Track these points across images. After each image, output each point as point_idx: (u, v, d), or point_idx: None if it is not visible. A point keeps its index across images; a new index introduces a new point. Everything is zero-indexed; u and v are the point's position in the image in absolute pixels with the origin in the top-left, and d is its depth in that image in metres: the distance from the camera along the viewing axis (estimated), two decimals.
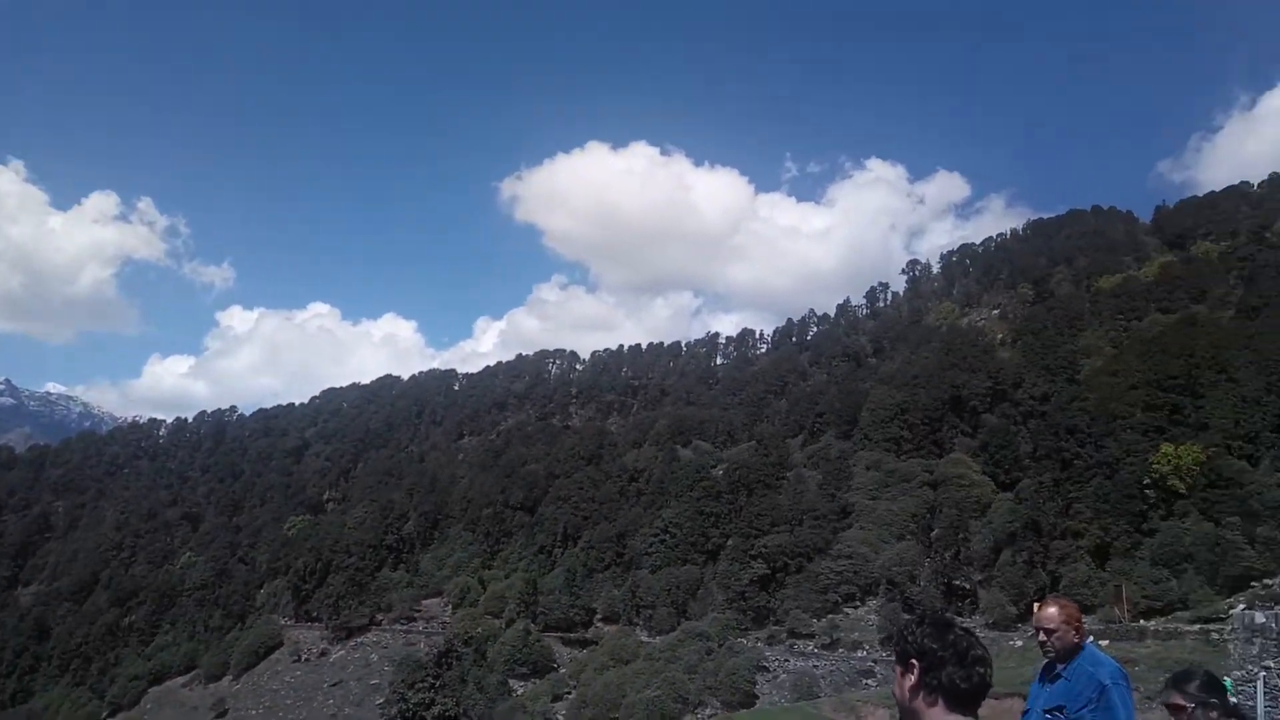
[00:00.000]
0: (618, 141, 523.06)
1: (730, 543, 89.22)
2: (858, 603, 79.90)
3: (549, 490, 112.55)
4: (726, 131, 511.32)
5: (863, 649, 74.31)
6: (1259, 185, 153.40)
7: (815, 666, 72.94)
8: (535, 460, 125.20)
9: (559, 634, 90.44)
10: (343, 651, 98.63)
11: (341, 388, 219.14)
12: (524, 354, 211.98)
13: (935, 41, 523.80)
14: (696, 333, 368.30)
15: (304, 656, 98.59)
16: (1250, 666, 23.00)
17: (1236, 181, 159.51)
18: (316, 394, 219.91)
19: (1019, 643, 64.04)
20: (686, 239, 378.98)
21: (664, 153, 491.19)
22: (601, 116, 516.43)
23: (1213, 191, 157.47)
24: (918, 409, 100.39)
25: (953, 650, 2.46)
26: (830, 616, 78.03)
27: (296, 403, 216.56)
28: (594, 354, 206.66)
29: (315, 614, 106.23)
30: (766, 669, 73.54)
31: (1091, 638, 4.93)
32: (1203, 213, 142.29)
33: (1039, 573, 72.27)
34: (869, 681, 67.60)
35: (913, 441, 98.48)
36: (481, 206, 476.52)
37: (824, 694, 63.39)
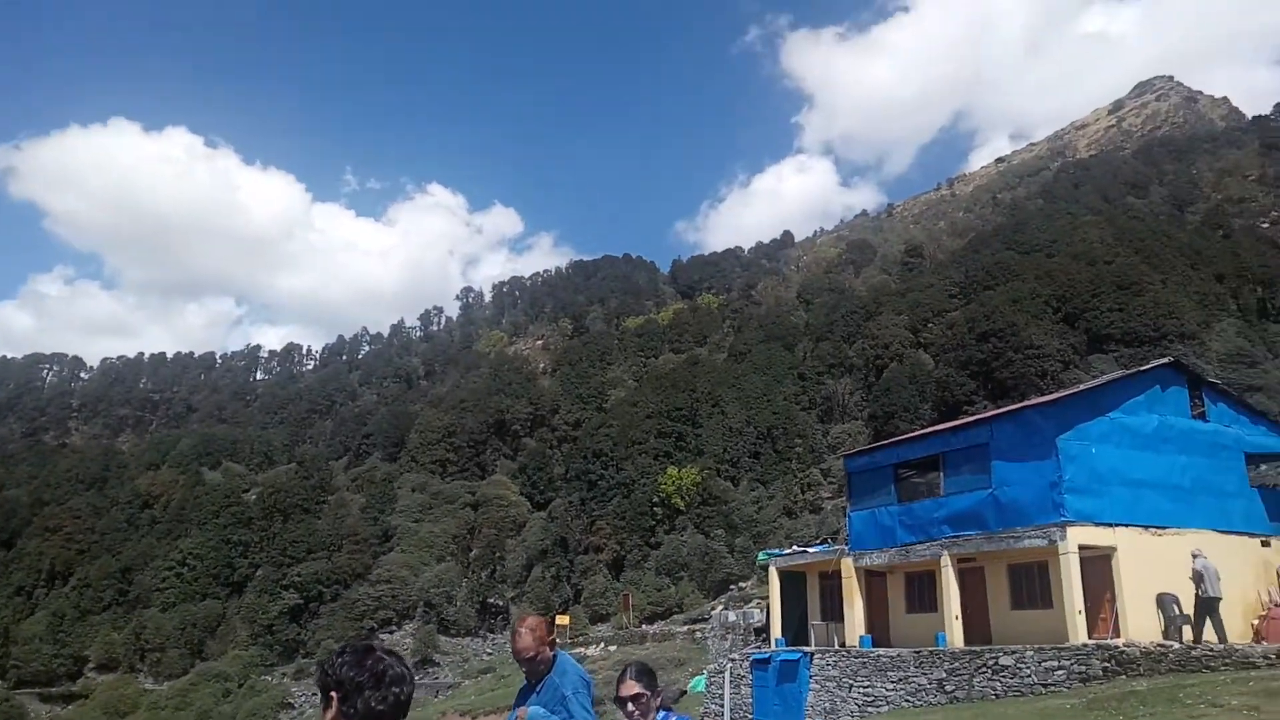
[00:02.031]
0: (151, 123, 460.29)
1: (260, 573, 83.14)
2: (394, 627, 79.23)
3: (34, 519, 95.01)
4: (283, 133, 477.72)
5: None
6: (749, 251, 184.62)
7: None
8: (17, 484, 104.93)
9: (37, 689, 76.42)
10: None
11: None
12: (10, 357, 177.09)
13: (496, 81, 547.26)
14: (236, 344, 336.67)
15: None
16: (722, 659, 27.31)
17: (733, 246, 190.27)
18: None
19: None
20: (230, 241, 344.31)
21: (209, 144, 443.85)
22: (131, 92, 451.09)
23: (715, 252, 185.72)
24: (464, 432, 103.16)
25: (369, 674, 2.47)
26: None
27: None
28: (105, 361, 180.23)
29: None
30: (292, 705, 69.53)
31: (565, 648, 5.02)
32: (707, 269, 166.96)
33: (564, 586, 78.12)
34: None
35: (458, 464, 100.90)
36: None
37: None
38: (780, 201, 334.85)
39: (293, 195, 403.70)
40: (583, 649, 50.97)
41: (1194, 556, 18.15)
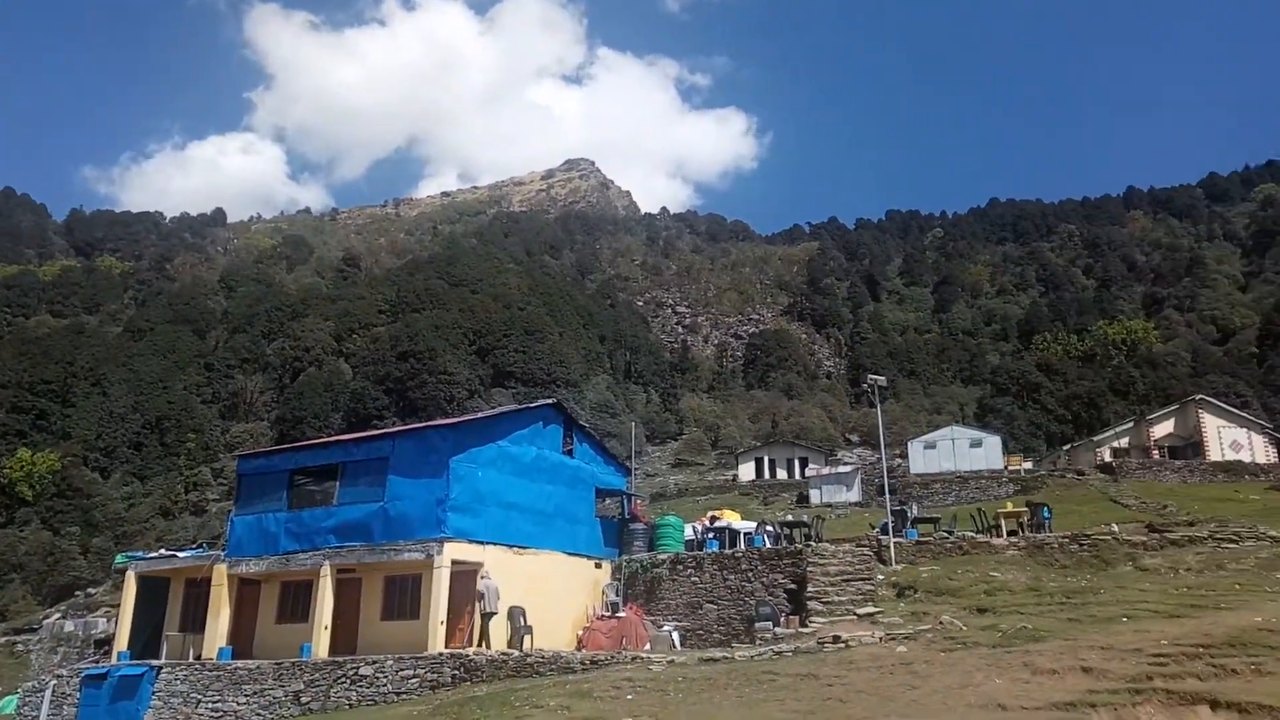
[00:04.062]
0: None
1: None
2: None
3: None
4: None
5: None
6: (171, 219, 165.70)
7: None
8: None
9: None
10: None
11: None
12: None
13: None
14: None
15: None
16: (46, 675, 23.49)
17: (154, 210, 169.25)
18: None
19: None
20: None
21: None
22: None
23: (129, 211, 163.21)
24: None
25: None
26: None
27: None
28: None
29: None
30: None
31: None
32: (115, 228, 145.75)
33: None
34: None
35: None
36: None
37: None
38: (218, 176, 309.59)
39: None
40: None
41: (481, 578, 20.57)
